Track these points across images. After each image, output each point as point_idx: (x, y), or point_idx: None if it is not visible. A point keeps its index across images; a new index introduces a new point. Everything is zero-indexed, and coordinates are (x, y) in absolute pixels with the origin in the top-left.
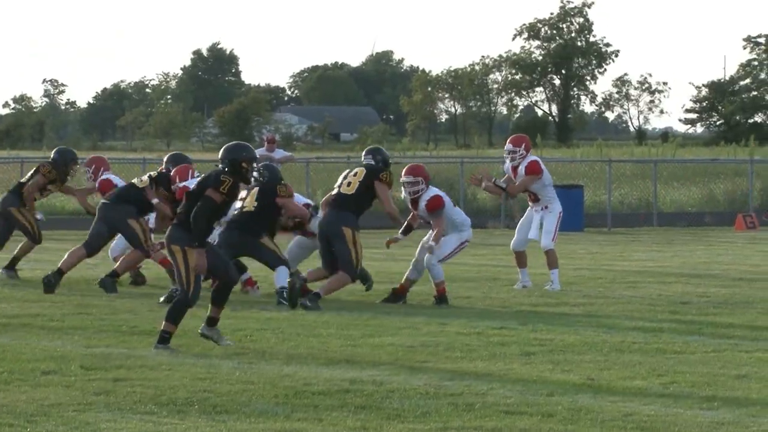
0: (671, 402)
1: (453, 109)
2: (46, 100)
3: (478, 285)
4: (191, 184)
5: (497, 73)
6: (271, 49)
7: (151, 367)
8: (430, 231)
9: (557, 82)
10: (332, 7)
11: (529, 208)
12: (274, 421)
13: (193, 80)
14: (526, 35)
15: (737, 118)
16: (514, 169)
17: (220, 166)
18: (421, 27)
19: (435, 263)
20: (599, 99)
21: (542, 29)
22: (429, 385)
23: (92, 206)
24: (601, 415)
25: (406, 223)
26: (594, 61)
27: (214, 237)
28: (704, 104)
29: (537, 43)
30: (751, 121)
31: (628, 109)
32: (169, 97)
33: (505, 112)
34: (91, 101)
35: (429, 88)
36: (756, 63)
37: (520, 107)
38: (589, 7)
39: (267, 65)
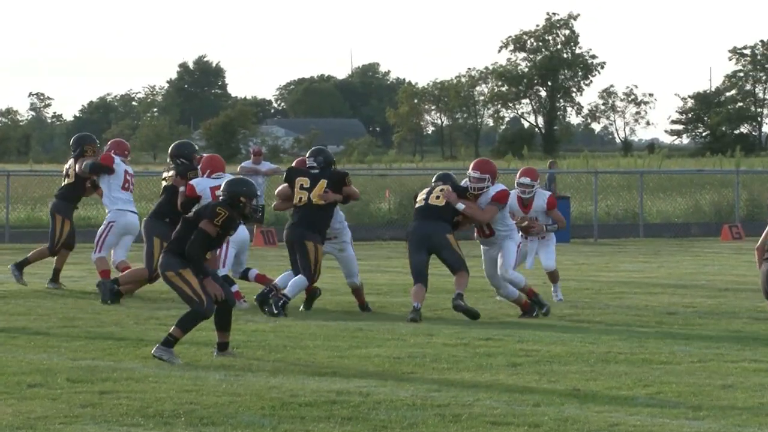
0: (657, 412)
1: (439, 121)
2: (33, 113)
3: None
4: (201, 183)
5: (483, 85)
6: (257, 61)
7: (137, 379)
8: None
9: (543, 93)
10: (318, 20)
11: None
12: None
13: (179, 93)
14: (512, 47)
15: (723, 129)
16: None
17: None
18: (407, 39)
19: (511, 273)
20: (585, 110)
21: (528, 41)
22: (416, 397)
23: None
24: (587, 425)
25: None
26: (580, 73)
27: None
28: (690, 115)
29: (523, 55)
30: (736, 132)
31: (614, 121)
32: (155, 109)
33: (491, 123)
34: (78, 114)
35: (415, 100)
36: (741, 74)
37: (507, 119)
38: (575, 19)
39: (253, 78)
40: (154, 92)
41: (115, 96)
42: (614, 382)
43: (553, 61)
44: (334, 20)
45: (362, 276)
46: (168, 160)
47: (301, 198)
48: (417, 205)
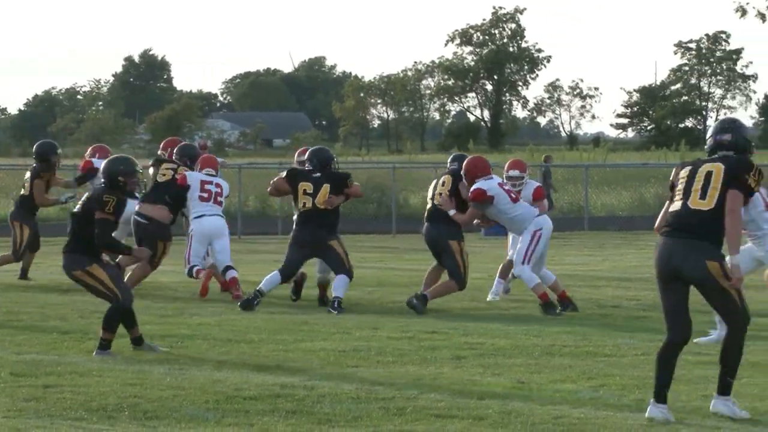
0: (601, 405)
1: (385, 115)
2: None
3: (410, 290)
4: (192, 176)
5: (430, 79)
6: (203, 55)
7: (81, 373)
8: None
9: (489, 87)
10: (264, 14)
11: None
12: (204, 427)
13: (124, 86)
14: (458, 41)
15: (668, 122)
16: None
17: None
18: (353, 33)
19: (523, 270)
20: (531, 104)
21: (475, 35)
22: (360, 390)
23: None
24: (531, 418)
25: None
26: (526, 67)
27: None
28: (635, 109)
29: (469, 48)
30: (681, 125)
31: (560, 114)
32: (100, 103)
33: (437, 117)
34: (22, 108)
35: (361, 94)
36: (687, 68)
37: (453, 113)
38: (521, 13)
39: (199, 72)
40: (100, 86)
41: (60, 90)
42: (558, 375)
43: (499, 55)
44: (280, 14)
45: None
46: (176, 158)
47: (305, 203)
48: (427, 205)
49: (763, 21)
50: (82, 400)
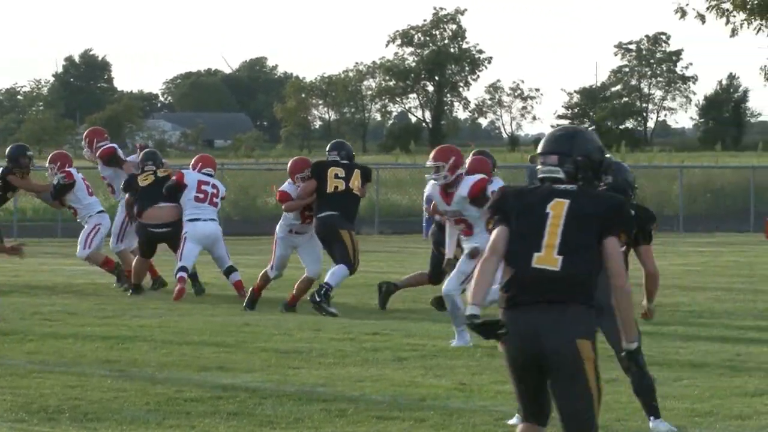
0: None
1: (327, 116)
2: None
3: (353, 291)
4: (190, 175)
5: (371, 80)
6: (144, 55)
7: (21, 375)
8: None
9: (431, 88)
10: (206, 14)
11: None
12: (146, 428)
13: (65, 87)
14: (399, 42)
15: (609, 124)
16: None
17: None
18: (294, 33)
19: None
20: (472, 105)
21: (416, 36)
22: (302, 392)
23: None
24: (472, 419)
25: None
26: (467, 68)
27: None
28: (576, 110)
29: (410, 49)
30: (622, 127)
31: (501, 116)
32: (40, 104)
33: (378, 118)
34: None
35: (303, 95)
36: (627, 69)
37: (394, 113)
38: (462, 14)
39: (140, 72)
40: (40, 86)
41: (0, 90)
42: (500, 377)
43: (440, 56)
44: (221, 14)
45: (250, 271)
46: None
47: (336, 187)
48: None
49: (703, 22)
50: (23, 402)
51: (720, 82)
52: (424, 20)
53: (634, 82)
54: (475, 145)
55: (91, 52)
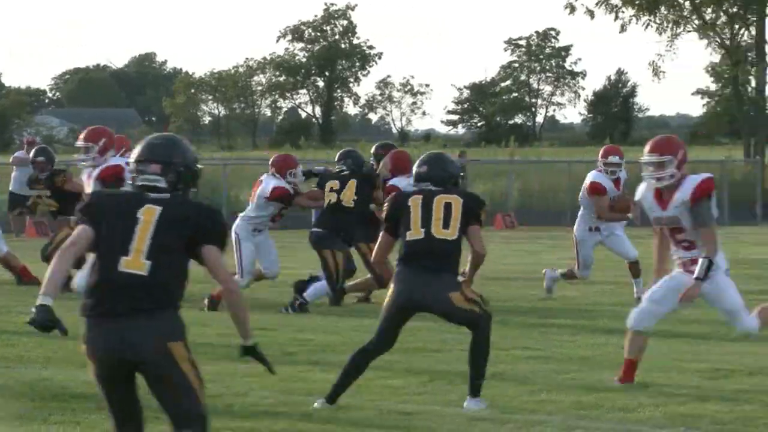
0: (429, 399)
1: (216, 111)
2: None
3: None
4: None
5: (261, 75)
6: (31, 51)
7: None
8: None
9: (321, 84)
10: (94, 9)
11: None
12: (30, 425)
13: None
14: (290, 37)
15: (498, 119)
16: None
17: None
18: (184, 29)
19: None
20: (362, 101)
21: (306, 31)
22: None
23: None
24: (359, 413)
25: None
26: (357, 64)
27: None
28: (466, 106)
29: (301, 45)
30: (511, 122)
31: (391, 111)
32: None
33: (269, 114)
34: None
35: (192, 90)
36: (516, 65)
37: (284, 109)
38: (352, 10)
39: (27, 68)
40: None
41: None
42: (387, 371)
43: (330, 52)
44: (110, 9)
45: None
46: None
47: (330, 200)
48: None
49: (592, 18)
50: None
51: (609, 78)
52: (315, 16)
53: (523, 77)
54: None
55: None
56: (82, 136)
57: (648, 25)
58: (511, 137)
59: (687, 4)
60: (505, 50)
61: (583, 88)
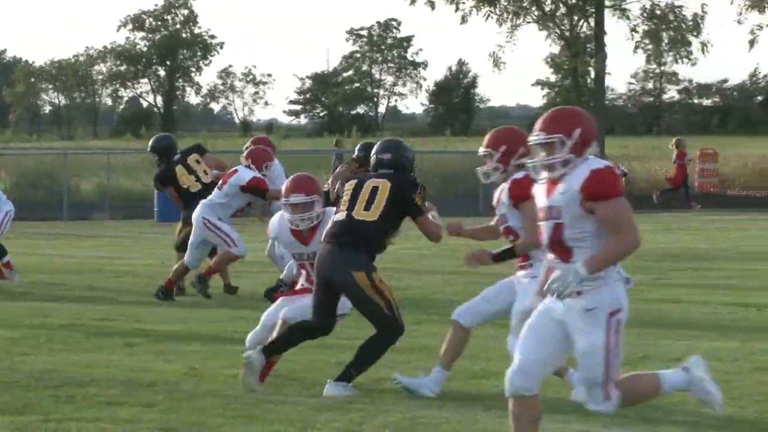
0: (279, 389)
1: (57, 101)
2: None
3: (82, 277)
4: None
5: (102, 65)
6: None
7: None
8: None
9: (162, 73)
10: None
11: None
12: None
13: None
14: (131, 26)
15: (340, 109)
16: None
17: None
18: (24, 17)
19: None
20: (204, 90)
21: (147, 20)
22: (30, 378)
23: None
24: (202, 403)
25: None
26: (199, 53)
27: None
28: (308, 96)
29: (142, 34)
30: (353, 112)
31: (233, 101)
32: None
33: (110, 103)
34: None
35: (32, 79)
36: (359, 55)
37: (125, 98)
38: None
39: None
40: None
41: None
42: (231, 361)
43: (172, 41)
44: None
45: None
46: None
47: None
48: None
49: (433, 9)
50: None
51: (450, 68)
52: (156, 5)
53: (365, 67)
54: (206, 131)
55: None
56: None
57: (488, 16)
58: (354, 127)
59: None
60: (347, 40)
61: (425, 79)
